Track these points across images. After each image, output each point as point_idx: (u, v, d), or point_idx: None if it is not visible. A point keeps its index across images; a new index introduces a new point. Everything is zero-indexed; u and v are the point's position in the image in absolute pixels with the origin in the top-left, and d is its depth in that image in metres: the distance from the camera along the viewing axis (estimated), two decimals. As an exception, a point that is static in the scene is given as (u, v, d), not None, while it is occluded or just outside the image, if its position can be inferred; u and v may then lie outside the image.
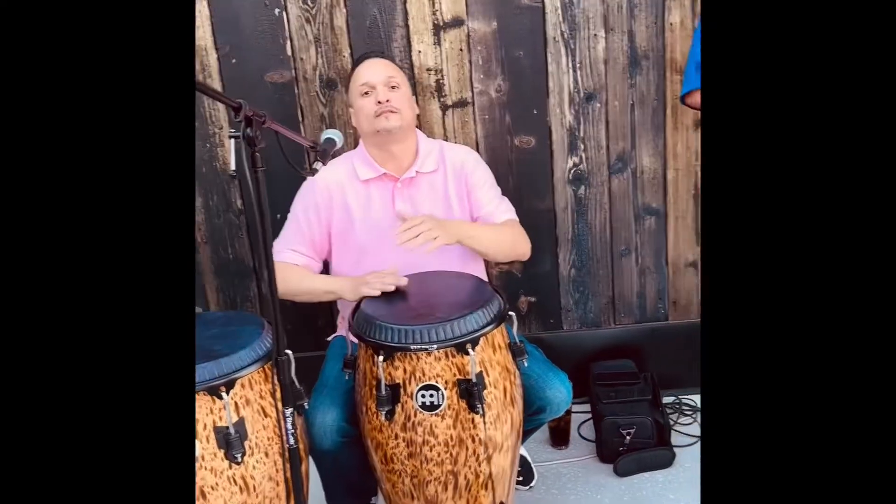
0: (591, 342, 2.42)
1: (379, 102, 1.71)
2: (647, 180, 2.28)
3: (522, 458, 2.07)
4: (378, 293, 1.61)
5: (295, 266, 1.77)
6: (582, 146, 2.25)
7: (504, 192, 2.25)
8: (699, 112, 2.17)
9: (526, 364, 1.58)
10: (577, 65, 2.17)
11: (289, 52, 2.14)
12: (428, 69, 2.17)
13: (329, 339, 1.94)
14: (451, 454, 1.50)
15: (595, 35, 2.15)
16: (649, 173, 2.27)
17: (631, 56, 2.16)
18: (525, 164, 2.26)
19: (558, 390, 1.70)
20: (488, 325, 1.49)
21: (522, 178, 2.27)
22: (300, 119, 2.20)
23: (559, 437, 2.22)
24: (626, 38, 2.15)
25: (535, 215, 2.30)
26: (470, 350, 1.45)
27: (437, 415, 1.47)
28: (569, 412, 2.20)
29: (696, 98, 1.69)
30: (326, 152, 1.50)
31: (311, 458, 1.65)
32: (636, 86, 2.19)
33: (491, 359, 1.52)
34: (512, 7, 2.12)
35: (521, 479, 2.03)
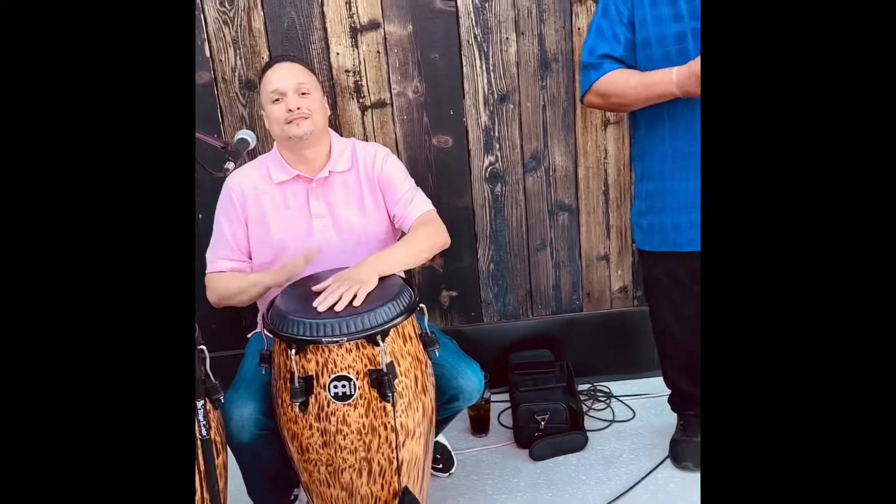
0: (511, 333, 2.52)
1: (289, 110, 1.75)
2: (559, 178, 2.38)
3: (442, 446, 2.15)
4: (301, 272, 1.67)
5: (223, 273, 1.81)
6: (497, 145, 2.34)
7: (424, 190, 2.32)
8: (606, 112, 2.29)
9: (437, 354, 1.65)
10: (491, 67, 2.26)
11: (207, 53, 2.17)
12: (346, 71, 2.22)
13: (249, 336, 1.98)
14: (364, 442, 1.56)
15: (507, 38, 2.24)
16: (561, 171, 2.37)
17: (541, 59, 2.26)
18: (443, 163, 2.34)
19: (470, 379, 1.77)
20: (398, 316, 1.56)
21: (441, 177, 2.35)
22: (220, 119, 2.22)
23: (479, 425, 2.30)
24: (536, 42, 2.24)
25: (454, 212, 2.38)
26: (380, 341, 1.51)
27: (349, 404, 1.53)
28: (487, 401, 2.29)
29: (590, 97, 1.78)
30: (238, 152, 1.54)
31: (230, 453, 1.69)
32: (547, 87, 2.29)
33: (402, 349, 1.58)
34: (426, 11, 2.20)
35: (440, 466, 2.11)
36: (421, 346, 1.65)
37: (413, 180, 1.91)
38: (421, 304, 1.65)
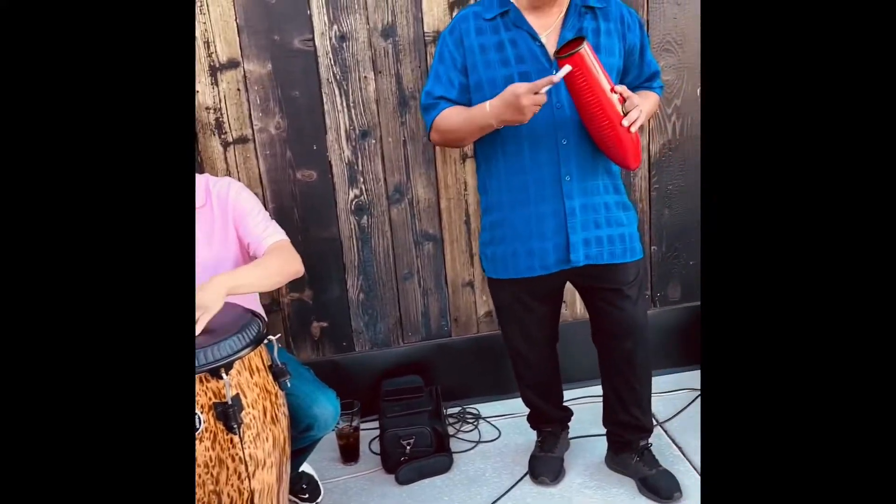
0: (383, 361, 2.58)
1: None
2: (423, 209, 2.48)
3: (308, 475, 2.17)
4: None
5: None
6: (361, 179, 2.42)
7: (290, 224, 2.37)
8: (467, 148, 2.41)
9: (289, 385, 1.69)
10: (352, 104, 2.34)
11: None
12: (207, 108, 2.25)
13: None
14: (211, 475, 1.57)
15: (365, 77, 2.33)
16: (424, 203, 2.47)
17: (400, 96, 2.36)
18: (309, 196, 2.40)
19: (325, 407, 1.82)
20: (243, 349, 1.59)
21: (307, 210, 2.40)
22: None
23: (348, 453, 2.34)
24: (394, 80, 2.35)
25: (322, 244, 2.44)
26: (223, 374, 1.54)
27: (195, 439, 1.55)
28: (356, 429, 2.33)
29: (432, 135, 1.89)
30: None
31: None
32: (406, 123, 2.39)
33: (248, 381, 1.62)
34: (285, 50, 2.26)
35: (307, 496, 2.14)
36: (270, 377, 1.68)
37: (266, 213, 1.96)
38: (270, 336, 1.69)
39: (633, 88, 1.88)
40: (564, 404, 2.26)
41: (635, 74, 1.90)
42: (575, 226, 1.83)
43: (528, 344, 2.05)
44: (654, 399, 2.44)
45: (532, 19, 1.79)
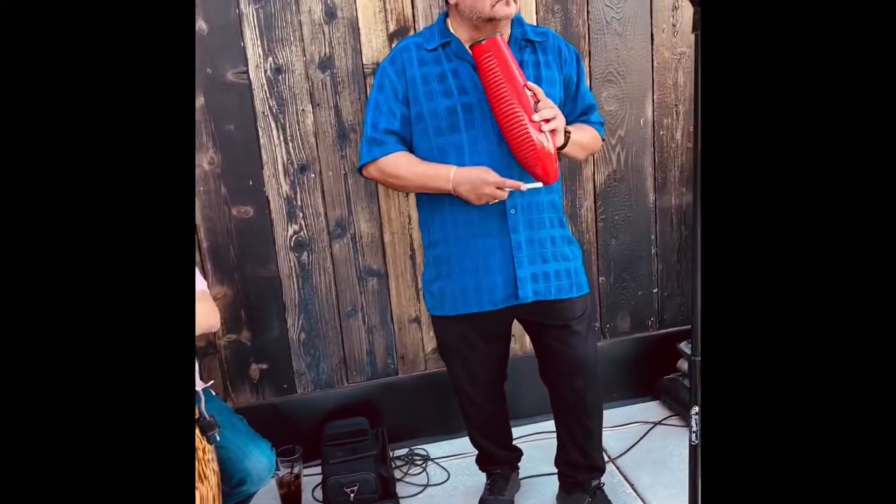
0: (327, 403, 2.48)
1: None
2: (366, 244, 2.41)
3: (246, 530, 2.06)
4: None
5: None
6: (301, 214, 2.33)
7: (226, 262, 2.27)
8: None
9: (218, 438, 1.59)
10: (289, 137, 2.27)
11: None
12: (135, 143, 2.15)
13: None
14: (131, 541, 1.46)
15: (303, 110, 2.26)
16: (367, 237, 2.40)
17: (339, 129, 2.29)
18: (245, 233, 2.30)
19: (258, 460, 1.72)
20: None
21: (244, 248, 2.31)
22: None
23: (290, 502, 2.23)
24: (332, 113, 2.28)
25: (260, 283, 2.34)
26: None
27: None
28: (298, 476, 2.23)
29: (371, 170, 1.83)
30: None
31: None
32: (347, 157, 2.32)
33: (172, 438, 1.51)
34: (218, 83, 2.18)
35: (244, 551, 2.02)
36: (198, 431, 1.58)
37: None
38: (197, 389, 1.59)
39: (570, 122, 1.85)
40: (514, 444, 2.20)
41: (570, 108, 1.87)
42: (522, 260, 1.78)
43: (475, 385, 1.98)
44: (605, 433, 2.39)
45: None
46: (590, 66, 2.43)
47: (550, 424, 2.10)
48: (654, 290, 2.67)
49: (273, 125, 2.25)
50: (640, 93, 2.49)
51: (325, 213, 2.36)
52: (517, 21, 1.81)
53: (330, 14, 2.22)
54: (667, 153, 2.57)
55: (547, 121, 1.63)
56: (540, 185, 1.70)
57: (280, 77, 2.22)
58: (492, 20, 1.69)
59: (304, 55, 2.23)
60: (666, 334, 2.70)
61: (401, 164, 1.76)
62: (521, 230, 1.78)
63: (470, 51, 1.68)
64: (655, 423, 2.54)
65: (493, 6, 1.67)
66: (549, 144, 1.66)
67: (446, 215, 1.82)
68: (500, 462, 2.14)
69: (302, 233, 2.35)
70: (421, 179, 1.75)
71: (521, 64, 1.75)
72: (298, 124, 2.27)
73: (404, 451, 2.50)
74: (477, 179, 1.66)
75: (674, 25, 2.47)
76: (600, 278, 2.61)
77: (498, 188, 1.67)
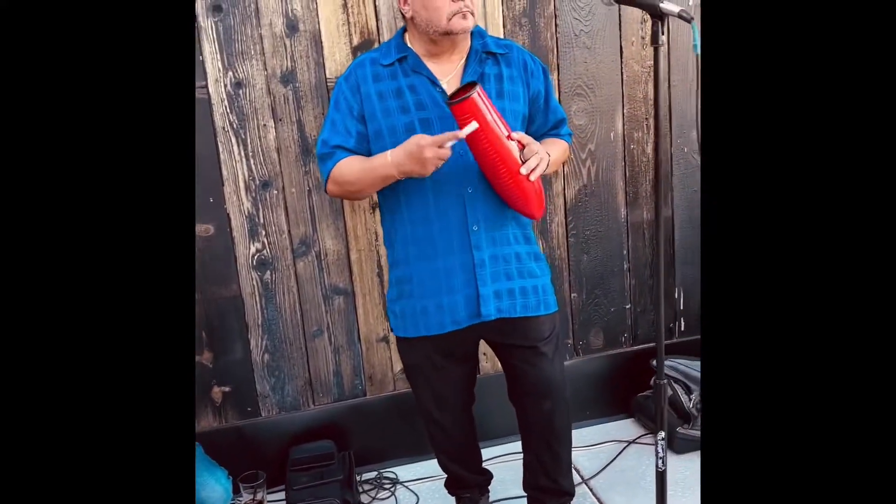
0: (292, 426, 2.41)
1: None
2: (331, 262, 2.34)
3: (203, 562, 1.97)
4: None
5: None
6: (263, 232, 2.27)
7: (184, 282, 2.19)
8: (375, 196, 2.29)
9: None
10: (250, 153, 2.21)
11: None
12: (89, 160, 2.08)
13: None
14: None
15: (265, 125, 2.20)
16: (333, 255, 2.34)
17: (302, 145, 2.23)
18: (206, 252, 2.23)
19: (213, 489, 1.66)
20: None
21: (205, 267, 2.24)
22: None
23: (252, 531, 2.15)
24: (295, 128, 2.22)
25: (222, 303, 2.27)
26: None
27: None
28: (261, 502, 2.15)
29: (330, 186, 1.77)
30: None
31: None
32: (311, 172, 2.26)
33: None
34: (176, 98, 2.12)
35: (202, 585, 1.93)
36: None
37: None
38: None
39: (540, 136, 1.81)
40: (485, 466, 2.14)
41: (541, 122, 1.82)
42: (485, 278, 1.73)
43: (441, 407, 1.92)
44: (578, 453, 2.35)
45: (431, 65, 1.71)
46: (558, 80, 2.39)
47: (517, 445, 2.05)
48: (627, 306, 2.63)
49: (234, 140, 2.19)
50: (609, 106, 2.46)
51: (289, 231, 2.29)
52: (478, 33, 1.77)
53: (291, 27, 2.17)
54: (638, 167, 2.54)
55: (535, 168, 1.59)
56: (476, 125, 1.53)
57: (240, 91, 2.16)
58: (449, 34, 1.65)
59: (266, 69, 2.17)
60: (640, 350, 2.65)
61: (350, 168, 1.70)
62: (483, 247, 1.72)
63: (447, 106, 1.61)
64: (629, 443, 2.50)
65: (450, 20, 1.62)
66: (536, 187, 1.65)
67: (407, 232, 1.76)
68: (469, 486, 2.08)
69: (265, 251, 2.28)
70: (367, 175, 1.68)
71: (483, 77, 1.71)
72: (260, 140, 2.21)
73: (373, 474, 2.42)
74: (413, 147, 1.56)
75: (643, 38, 2.44)
76: (572, 294, 2.56)
77: (438, 147, 1.55)
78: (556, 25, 2.36)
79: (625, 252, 2.58)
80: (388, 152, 1.63)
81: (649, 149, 2.53)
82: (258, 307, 2.31)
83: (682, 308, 2.69)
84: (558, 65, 2.39)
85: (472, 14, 1.65)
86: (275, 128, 2.21)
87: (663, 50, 1.54)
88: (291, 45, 2.18)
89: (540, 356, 1.81)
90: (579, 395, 2.61)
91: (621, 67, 2.45)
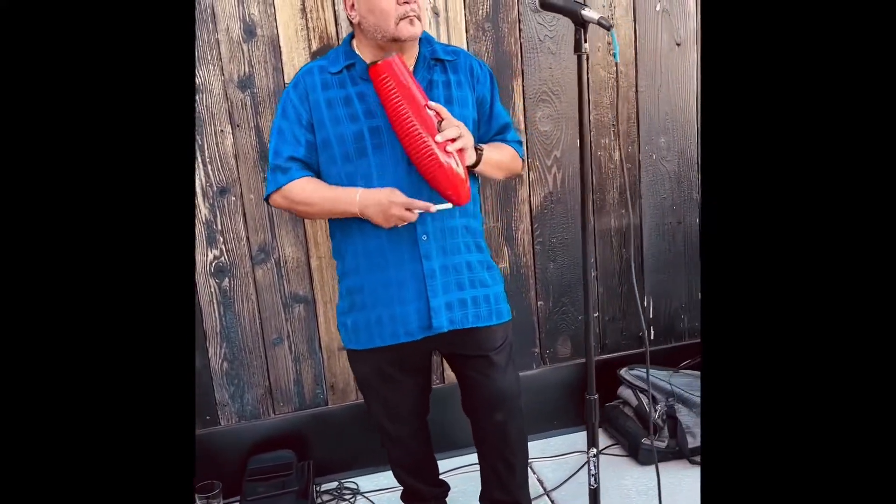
0: (252, 435, 2.37)
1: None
2: (291, 269, 2.31)
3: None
4: None
5: None
6: (221, 238, 2.24)
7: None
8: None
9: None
10: (207, 159, 2.18)
11: None
12: (41, 165, 2.05)
13: None
14: None
15: (222, 131, 2.17)
16: (293, 262, 2.31)
17: (261, 150, 2.20)
18: (162, 259, 2.20)
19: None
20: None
21: (161, 274, 2.20)
22: None
23: (205, 543, 2.11)
24: (254, 134, 2.19)
25: (179, 310, 2.24)
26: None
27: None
28: (214, 515, 2.11)
29: (277, 198, 1.74)
30: None
31: None
32: (269, 179, 2.23)
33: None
34: (130, 103, 2.09)
35: None
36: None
37: None
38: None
39: (486, 141, 1.78)
40: (442, 478, 2.10)
41: (485, 128, 1.80)
42: (436, 288, 1.70)
43: (394, 420, 1.89)
44: (542, 464, 2.33)
45: None
46: (523, 86, 2.37)
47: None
48: (595, 315, 2.60)
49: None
50: (575, 112, 2.43)
51: (248, 238, 2.26)
52: (426, 40, 1.74)
53: (249, 32, 2.14)
54: (605, 174, 2.51)
55: (452, 140, 1.56)
56: (450, 205, 1.62)
57: (197, 97, 2.13)
58: (396, 40, 1.62)
59: (223, 74, 2.14)
60: (608, 359, 2.62)
61: (307, 189, 1.68)
62: (434, 257, 1.69)
63: (367, 70, 1.61)
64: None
65: (397, 25, 1.60)
66: (457, 165, 1.59)
67: (357, 244, 1.73)
68: (426, 498, 2.04)
69: (223, 258, 2.25)
70: (328, 204, 1.67)
71: (431, 84, 1.69)
72: (217, 146, 2.18)
73: (334, 484, 2.39)
74: (384, 200, 1.59)
75: (608, 43, 2.42)
76: (538, 303, 2.53)
77: (406, 209, 1.58)
78: (519, 30, 2.34)
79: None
80: (357, 192, 1.62)
81: (616, 155, 2.50)
82: (216, 314, 2.28)
83: (651, 316, 2.66)
84: (523, 70, 2.36)
85: (419, 19, 1.62)
86: (232, 133, 2.18)
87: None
88: (249, 50, 2.15)
89: (492, 366, 1.78)
90: (546, 405, 2.58)
91: (587, 73, 2.42)
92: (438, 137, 1.55)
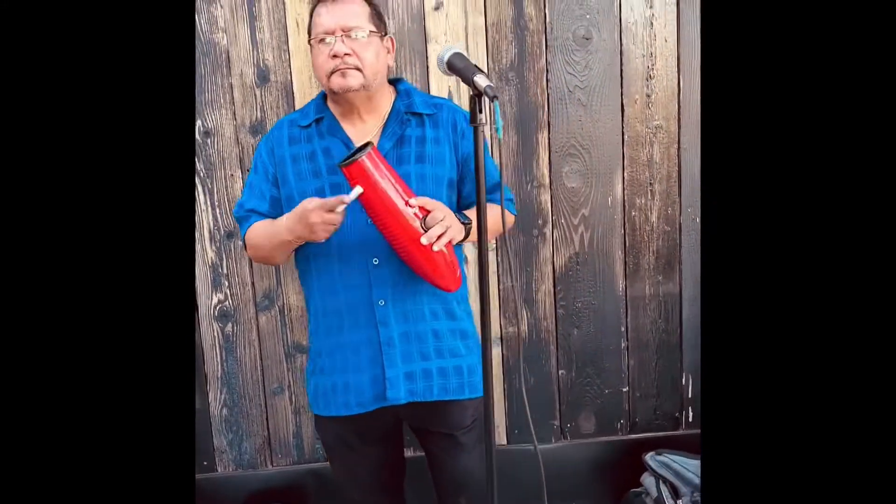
0: (248, 485, 2.31)
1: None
2: (295, 317, 2.25)
3: None
4: None
5: None
6: (226, 283, 2.22)
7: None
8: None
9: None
10: (216, 203, 2.17)
11: None
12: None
13: None
14: None
15: (232, 175, 2.16)
16: (297, 310, 2.25)
17: (269, 196, 2.17)
18: (168, 299, 2.20)
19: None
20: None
21: (167, 314, 2.21)
22: None
23: None
24: (262, 179, 2.17)
25: (183, 352, 2.23)
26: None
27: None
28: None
29: (249, 252, 1.69)
30: None
31: None
32: (277, 225, 2.19)
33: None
34: (143, 145, 2.12)
35: None
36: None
37: None
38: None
39: (469, 204, 1.64)
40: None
41: (471, 187, 1.65)
42: (393, 358, 1.57)
43: (356, 487, 1.76)
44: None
45: (348, 127, 1.60)
46: (549, 139, 2.21)
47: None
48: (625, 389, 2.37)
49: (200, 189, 2.16)
50: (607, 169, 2.25)
51: (253, 283, 2.23)
52: (405, 91, 1.64)
53: (262, 77, 2.13)
54: (639, 236, 2.29)
55: (439, 236, 1.44)
56: (361, 190, 1.41)
57: (209, 140, 2.14)
58: (334, 93, 1.54)
59: (235, 119, 2.14)
60: (638, 440, 2.37)
61: (254, 232, 1.62)
62: (392, 323, 1.57)
63: (337, 167, 1.49)
64: (612, 544, 2.22)
65: (329, 78, 1.52)
66: (446, 257, 1.49)
67: (317, 304, 1.64)
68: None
69: (227, 302, 2.23)
70: (269, 240, 1.58)
71: (402, 140, 1.58)
72: (226, 189, 2.17)
73: (325, 546, 2.28)
74: (300, 211, 1.45)
75: (648, 96, 2.22)
76: (560, 371, 2.34)
77: (328, 211, 1.43)
78: (546, 80, 2.19)
79: (623, 329, 2.33)
80: (284, 216, 1.52)
81: (653, 217, 2.28)
82: (218, 359, 2.25)
83: (689, 396, 2.39)
84: (549, 122, 2.21)
85: (359, 70, 1.51)
86: (242, 178, 2.16)
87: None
88: (262, 95, 2.14)
89: (458, 446, 1.62)
90: (563, 483, 2.36)
91: (622, 127, 2.23)
92: (423, 240, 1.43)
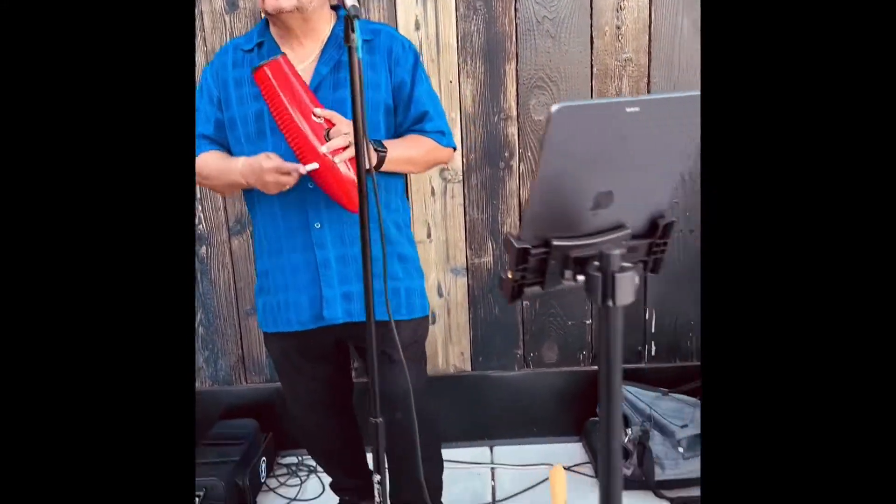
0: (222, 400, 2.44)
1: None
2: (266, 243, 2.33)
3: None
4: None
5: None
6: (199, 206, 2.30)
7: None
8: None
9: None
10: (188, 129, 2.23)
11: None
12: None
13: None
14: None
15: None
16: (268, 236, 2.32)
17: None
18: (145, 222, 2.29)
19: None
20: None
21: (144, 236, 2.30)
22: None
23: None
24: (232, 106, 2.22)
25: (161, 272, 2.33)
26: None
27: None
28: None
29: (197, 178, 1.74)
30: None
31: None
32: (247, 152, 2.25)
33: None
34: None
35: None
36: None
37: None
38: None
39: (403, 132, 1.67)
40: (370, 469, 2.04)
41: (402, 116, 1.67)
42: (330, 279, 1.64)
43: (303, 409, 1.86)
44: (503, 471, 2.23)
45: (287, 51, 1.62)
46: (516, 70, 2.21)
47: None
48: (588, 321, 2.41)
49: (172, 115, 2.22)
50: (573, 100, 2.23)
51: (225, 208, 2.30)
52: (344, 17, 1.65)
53: (232, 4, 2.16)
54: (607, 171, 2.29)
55: (344, 148, 1.48)
56: (316, 165, 1.49)
57: (179, 67, 2.19)
58: (268, 14, 1.56)
59: (206, 45, 2.18)
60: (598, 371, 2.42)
61: (208, 163, 1.67)
62: (328, 246, 1.63)
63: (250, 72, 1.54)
64: (567, 469, 2.30)
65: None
66: (348, 172, 1.52)
67: (259, 227, 1.71)
68: (345, 489, 2.00)
69: (200, 226, 2.31)
70: (221, 176, 1.64)
71: (339, 65, 1.60)
72: (198, 116, 2.22)
73: (294, 459, 2.41)
74: (256, 167, 1.52)
75: (618, 28, 2.19)
76: (524, 303, 2.38)
77: (283, 174, 1.50)
78: (515, 10, 2.18)
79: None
80: (241, 159, 1.58)
81: (621, 151, 2.27)
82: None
83: (652, 330, 2.42)
84: (517, 54, 2.20)
85: None
86: (212, 105, 2.21)
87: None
88: (231, 21, 2.17)
89: (391, 364, 1.69)
90: (525, 411, 2.44)
91: (591, 60, 2.21)
92: (323, 149, 1.47)
